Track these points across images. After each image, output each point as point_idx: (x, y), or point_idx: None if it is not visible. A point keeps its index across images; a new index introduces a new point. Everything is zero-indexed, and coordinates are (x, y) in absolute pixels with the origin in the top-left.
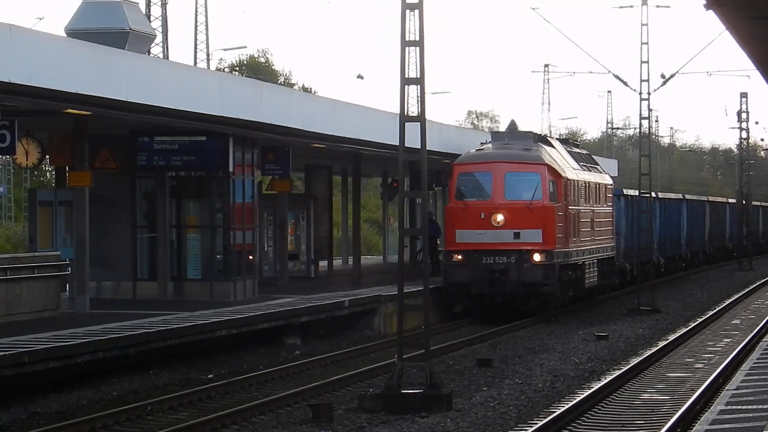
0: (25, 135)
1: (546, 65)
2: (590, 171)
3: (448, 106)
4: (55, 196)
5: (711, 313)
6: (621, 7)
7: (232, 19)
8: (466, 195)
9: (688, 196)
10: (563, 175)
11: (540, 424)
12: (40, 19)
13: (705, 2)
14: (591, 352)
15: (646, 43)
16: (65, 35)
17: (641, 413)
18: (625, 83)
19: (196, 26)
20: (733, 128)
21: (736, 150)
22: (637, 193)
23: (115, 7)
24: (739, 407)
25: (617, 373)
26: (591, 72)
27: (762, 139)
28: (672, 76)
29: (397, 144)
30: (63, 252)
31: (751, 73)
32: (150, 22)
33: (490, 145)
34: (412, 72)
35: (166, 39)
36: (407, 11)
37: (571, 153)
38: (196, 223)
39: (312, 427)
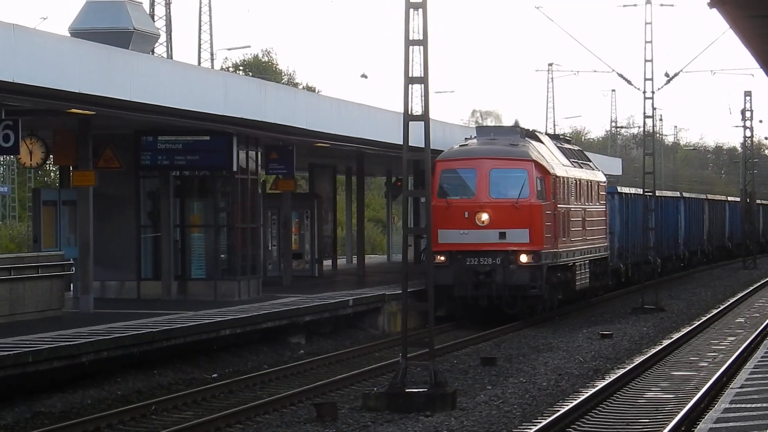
0: (29, 135)
1: (550, 64)
2: (582, 168)
3: (453, 105)
4: (59, 196)
5: (715, 311)
6: (625, 6)
7: (236, 18)
8: (449, 193)
9: (686, 194)
10: (551, 171)
11: (544, 422)
12: (44, 18)
13: (708, 1)
14: (595, 350)
15: (650, 42)
16: (69, 35)
17: (646, 411)
18: (629, 82)
19: (200, 26)
20: (737, 127)
21: (740, 148)
22: (631, 190)
23: (119, 7)
24: (743, 405)
25: (622, 371)
26: (595, 71)
27: (766, 138)
28: (676, 74)
29: (401, 143)
30: (67, 251)
31: (755, 72)
32: (154, 21)
33: (474, 141)
34: (416, 71)
35: (170, 38)
36: (411, 10)
37: (561, 149)
38: (200, 222)
39: (316, 426)
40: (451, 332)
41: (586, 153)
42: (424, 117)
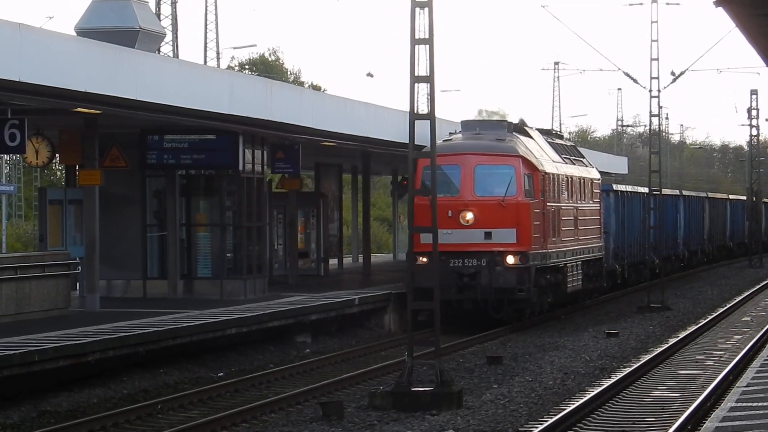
0: (35, 134)
1: (556, 63)
2: (574, 164)
3: (459, 104)
4: (65, 195)
5: (721, 310)
6: (631, 5)
7: (242, 17)
8: (430, 191)
9: (685, 192)
10: (540, 168)
11: (550, 421)
12: (50, 18)
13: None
14: (601, 349)
15: (656, 41)
16: (75, 34)
17: (652, 410)
18: (635, 80)
19: (206, 24)
20: (743, 125)
21: (746, 147)
22: (627, 188)
23: (125, 6)
24: (749, 404)
25: (628, 370)
26: (601, 69)
27: None
28: (682, 73)
29: (407, 142)
30: (73, 250)
31: (761, 70)
32: (160, 20)
33: (459, 135)
34: (422, 70)
35: (176, 37)
36: (417, 9)
37: (552, 144)
38: (206, 221)
39: (322, 425)
40: (457, 331)
41: (580, 149)
42: (430, 116)
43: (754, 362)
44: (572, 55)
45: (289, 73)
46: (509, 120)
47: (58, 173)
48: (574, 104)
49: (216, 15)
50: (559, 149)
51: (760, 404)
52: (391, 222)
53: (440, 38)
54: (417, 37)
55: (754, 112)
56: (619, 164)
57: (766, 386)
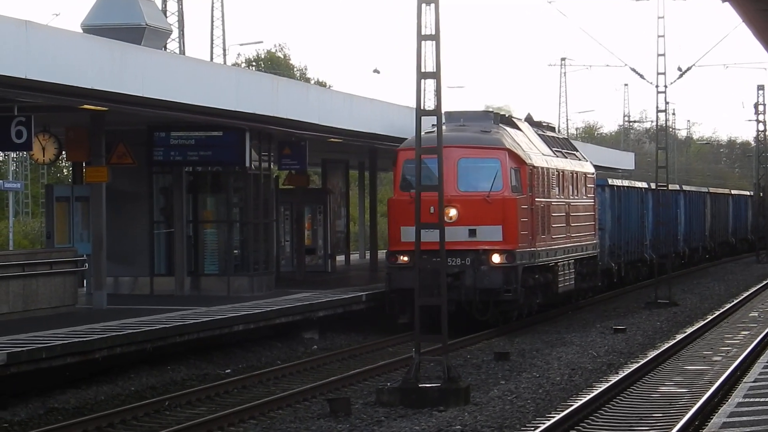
0: (42, 131)
1: (563, 59)
2: (566, 157)
3: (465, 100)
4: (72, 192)
5: (729, 305)
6: (638, 0)
7: (248, 14)
8: (412, 185)
9: (685, 187)
10: (528, 161)
11: (558, 417)
12: (57, 15)
13: None
14: (609, 345)
15: (663, 36)
16: (81, 31)
17: (659, 406)
18: (641, 76)
19: (212, 21)
20: (750, 121)
21: (753, 142)
22: (623, 182)
23: (131, 3)
24: (757, 400)
25: (635, 366)
26: (608, 65)
27: None
28: (689, 68)
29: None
30: (80, 247)
31: None
32: (166, 17)
33: (444, 127)
34: (429, 66)
35: (183, 34)
36: (423, 5)
37: (542, 137)
38: (212, 218)
39: (329, 421)
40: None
41: (573, 142)
42: (437, 112)
43: (761, 358)
44: (579, 51)
45: (295, 69)
46: (495, 111)
47: (65, 170)
48: (581, 100)
49: (222, 12)
50: (550, 142)
51: (767, 400)
52: None
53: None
54: (424, 33)
55: (760, 108)
56: (625, 160)
57: None
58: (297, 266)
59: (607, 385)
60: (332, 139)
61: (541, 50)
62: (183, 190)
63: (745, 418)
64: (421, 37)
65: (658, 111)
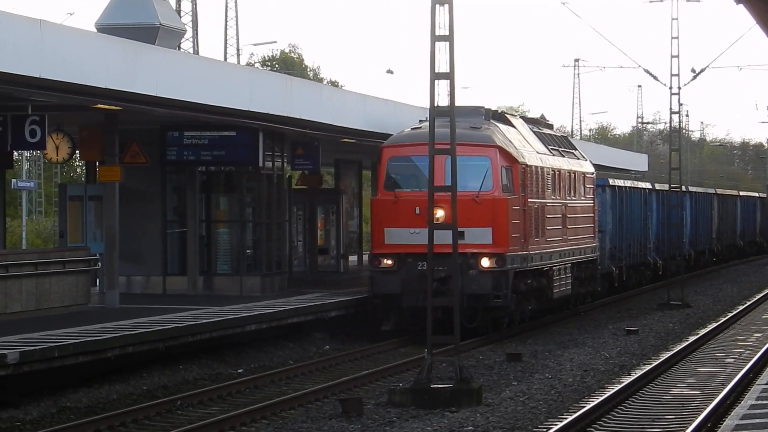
0: (56, 130)
1: (576, 60)
2: (563, 156)
3: (479, 100)
4: (85, 191)
5: (741, 307)
6: (651, 2)
7: (262, 13)
8: (397, 184)
9: (692, 188)
10: (521, 160)
11: (570, 419)
12: (71, 14)
13: None
14: (621, 346)
15: (677, 38)
16: (96, 30)
17: (672, 408)
18: (655, 78)
19: (226, 21)
20: (763, 122)
21: (766, 144)
22: (626, 183)
23: (146, 3)
24: None
25: (647, 367)
26: (621, 66)
27: None
28: (702, 70)
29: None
30: (93, 247)
31: None
32: (180, 17)
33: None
34: (442, 67)
35: (196, 34)
36: (437, 6)
37: (538, 134)
38: (225, 217)
39: (341, 421)
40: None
41: (572, 140)
42: (450, 112)
43: None
44: (592, 52)
45: (308, 69)
46: (487, 107)
47: (79, 169)
48: (594, 101)
49: (236, 11)
50: (546, 139)
51: None
52: None
53: (460, 35)
54: (437, 33)
55: None
56: (639, 161)
57: None
58: (309, 266)
59: (620, 386)
60: (345, 140)
61: (554, 51)
62: (196, 189)
63: (757, 420)
64: (434, 38)
65: (671, 112)
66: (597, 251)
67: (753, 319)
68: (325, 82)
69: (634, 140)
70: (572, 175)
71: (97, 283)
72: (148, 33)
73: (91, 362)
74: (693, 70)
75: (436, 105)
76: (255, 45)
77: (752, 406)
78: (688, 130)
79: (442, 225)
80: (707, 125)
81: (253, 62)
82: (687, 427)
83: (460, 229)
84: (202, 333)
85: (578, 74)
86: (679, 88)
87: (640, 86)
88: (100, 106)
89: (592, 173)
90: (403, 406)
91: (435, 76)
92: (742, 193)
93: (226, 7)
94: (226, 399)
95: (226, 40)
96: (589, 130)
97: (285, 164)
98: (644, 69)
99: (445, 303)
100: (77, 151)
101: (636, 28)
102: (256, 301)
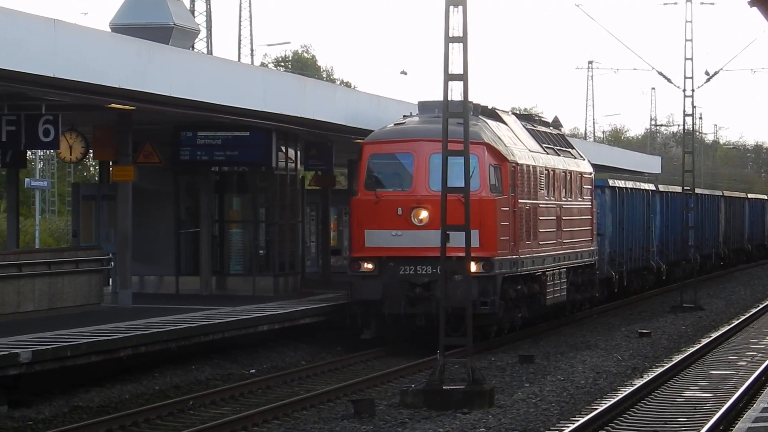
0: (69, 129)
1: (590, 62)
2: (558, 155)
3: (492, 102)
4: (98, 191)
5: (754, 310)
6: (665, 4)
7: (276, 14)
8: (378, 184)
9: (698, 190)
10: (510, 158)
11: (582, 421)
12: (85, 14)
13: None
14: (633, 348)
15: (691, 40)
16: (110, 30)
17: (684, 410)
18: (669, 80)
19: (240, 21)
20: None
21: None
22: (627, 184)
23: (160, 3)
24: None
25: (660, 370)
26: (635, 69)
27: None
28: (716, 72)
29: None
30: (106, 246)
31: None
32: (194, 17)
33: (416, 119)
34: (456, 68)
35: (210, 34)
36: (451, 7)
37: (531, 132)
38: (238, 218)
39: (353, 422)
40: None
41: (570, 139)
42: (464, 114)
43: None
44: (606, 54)
45: (321, 70)
46: (476, 102)
47: (92, 169)
48: (608, 103)
49: (250, 12)
50: (540, 137)
51: None
52: None
53: (474, 36)
54: (451, 35)
55: None
56: (652, 164)
57: None
58: (322, 267)
59: (632, 389)
60: (359, 140)
61: (568, 53)
62: (209, 189)
63: None
64: (448, 39)
65: (685, 115)
66: (595, 255)
67: (766, 322)
68: (337, 82)
69: (648, 142)
70: (568, 174)
71: (110, 283)
72: (162, 33)
73: (104, 362)
74: (707, 73)
75: (421, 100)
76: (269, 45)
77: (764, 409)
78: (701, 133)
79: (454, 226)
80: (721, 128)
81: (266, 63)
82: (699, 430)
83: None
84: (215, 333)
85: (592, 76)
86: (693, 90)
87: (653, 88)
88: (113, 105)
89: (590, 173)
90: (415, 407)
91: (449, 77)
92: (750, 196)
93: (240, 7)
94: (238, 399)
95: (239, 41)
96: (603, 132)
97: (298, 165)
98: (658, 71)
99: (422, 311)
100: (90, 151)
101: (650, 31)
102: (268, 301)
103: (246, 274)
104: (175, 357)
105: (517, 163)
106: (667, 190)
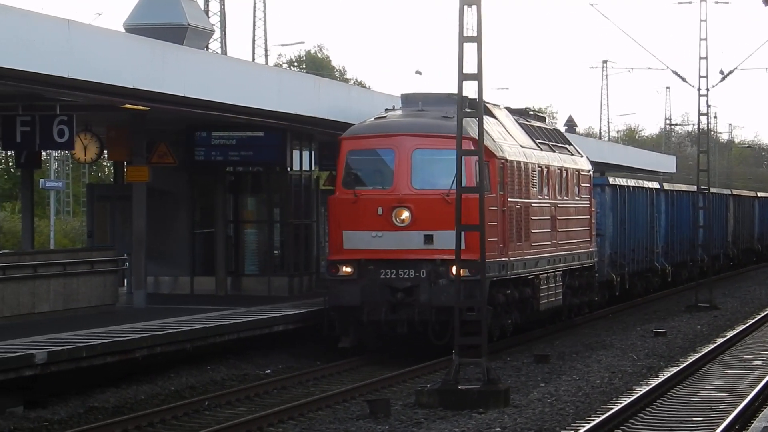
0: (84, 130)
1: (604, 61)
2: (553, 151)
3: (506, 101)
4: (113, 192)
5: None
6: (680, 3)
7: (290, 14)
8: (358, 182)
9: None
10: (499, 154)
11: (597, 420)
12: (99, 14)
13: None
14: (649, 348)
15: (705, 39)
16: (124, 31)
17: (699, 410)
18: (683, 79)
19: (254, 21)
20: None
21: None
22: (629, 182)
23: (174, 3)
24: None
25: (675, 369)
26: (649, 68)
27: None
28: (731, 72)
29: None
30: (120, 247)
31: None
32: (208, 17)
33: (398, 112)
34: (471, 68)
35: (224, 34)
36: (465, 7)
37: (524, 126)
38: (253, 218)
39: (369, 422)
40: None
41: (569, 136)
42: (478, 114)
43: None
44: (621, 54)
45: (335, 70)
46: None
47: (107, 169)
48: (623, 103)
49: (264, 12)
50: (533, 133)
51: None
52: None
53: (488, 36)
54: (465, 34)
55: None
56: (667, 163)
57: None
58: None
59: (647, 388)
60: None
61: (582, 52)
62: (224, 190)
63: None
64: (462, 39)
65: (699, 114)
66: (594, 257)
67: None
68: (351, 82)
69: (663, 142)
70: (564, 172)
71: (125, 284)
72: (176, 33)
73: (119, 362)
74: (721, 72)
75: (405, 92)
76: (283, 45)
77: None
78: (716, 132)
79: (469, 226)
80: (735, 127)
81: (281, 63)
82: (714, 430)
83: (428, 233)
84: (230, 333)
85: (606, 75)
86: (708, 89)
87: (668, 88)
88: (127, 106)
89: (589, 170)
90: (430, 407)
91: (463, 77)
92: (760, 194)
93: (254, 7)
94: (254, 399)
95: (254, 41)
96: (617, 131)
97: (313, 165)
98: (672, 70)
99: (404, 317)
100: (105, 152)
101: (664, 30)
102: (283, 301)
103: (261, 275)
104: (191, 357)
105: (507, 160)
106: (672, 188)
